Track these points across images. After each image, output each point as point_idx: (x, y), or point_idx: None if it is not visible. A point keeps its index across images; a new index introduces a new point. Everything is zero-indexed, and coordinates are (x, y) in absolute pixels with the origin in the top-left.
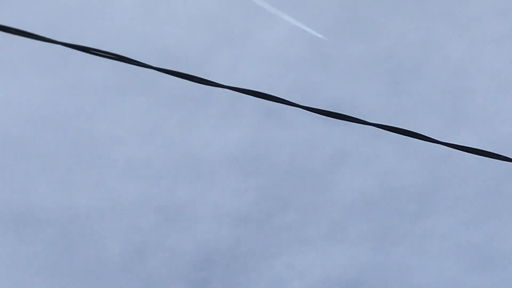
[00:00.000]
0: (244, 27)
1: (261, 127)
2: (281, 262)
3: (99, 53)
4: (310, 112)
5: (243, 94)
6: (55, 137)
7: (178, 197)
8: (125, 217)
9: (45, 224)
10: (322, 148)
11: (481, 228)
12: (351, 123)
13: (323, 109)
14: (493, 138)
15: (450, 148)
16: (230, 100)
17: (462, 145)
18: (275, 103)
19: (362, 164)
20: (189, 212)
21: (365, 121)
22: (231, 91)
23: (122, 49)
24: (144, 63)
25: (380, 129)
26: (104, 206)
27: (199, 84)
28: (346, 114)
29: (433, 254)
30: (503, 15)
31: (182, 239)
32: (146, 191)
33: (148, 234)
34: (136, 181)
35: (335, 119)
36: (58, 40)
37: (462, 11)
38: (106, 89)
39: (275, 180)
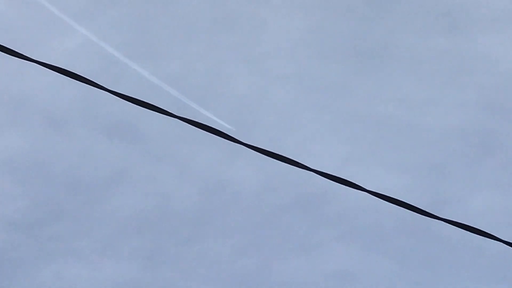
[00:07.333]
0: (35, 33)
1: (44, 135)
2: (50, 271)
3: None
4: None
5: (31, 99)
6: None
7: None
8: None
9: None
10: (103, 164)
11: (252, 257)
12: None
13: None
14: (272, 172)
15: (230, 176)
16: (14, 105)
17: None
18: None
19: (141, 183)
20: None
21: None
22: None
23: None
24: None
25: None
26: None
27: None
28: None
29: (202, 278)
30: (291, 55)
31: None
32: None
33: None
34: None
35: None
36: None
37: (253, 47)
38: None
39: (52, 189)
